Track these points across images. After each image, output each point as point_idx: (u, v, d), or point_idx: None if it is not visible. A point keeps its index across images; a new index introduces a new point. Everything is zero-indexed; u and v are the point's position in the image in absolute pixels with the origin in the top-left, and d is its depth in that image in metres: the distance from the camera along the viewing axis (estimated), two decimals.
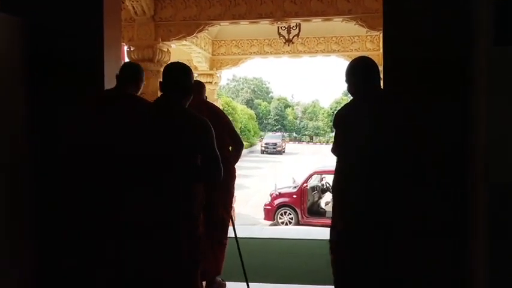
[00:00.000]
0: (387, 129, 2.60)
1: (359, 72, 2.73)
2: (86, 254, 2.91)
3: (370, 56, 3.00)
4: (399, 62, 2.84)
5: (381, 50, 3.67)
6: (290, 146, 43.37)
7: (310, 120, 58.04)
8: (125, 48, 6.98)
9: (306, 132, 55.94)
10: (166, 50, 6.88)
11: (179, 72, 2.58)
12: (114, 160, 2.49)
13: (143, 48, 6.68)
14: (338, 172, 2.80)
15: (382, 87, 2.82)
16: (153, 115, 2.50)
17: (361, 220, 2.64)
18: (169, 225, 2.40)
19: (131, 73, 3.02)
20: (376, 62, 2.84)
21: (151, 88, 6.40)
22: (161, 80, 2.58)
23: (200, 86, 3.78)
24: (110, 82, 3.17)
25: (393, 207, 2.63)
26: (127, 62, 3.63)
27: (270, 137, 39.66)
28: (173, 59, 8.53)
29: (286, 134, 58.41)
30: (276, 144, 36.44)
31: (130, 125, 2.49)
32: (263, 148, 36.40)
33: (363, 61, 2.79)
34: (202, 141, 2.46)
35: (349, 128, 2.71)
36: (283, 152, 37.11)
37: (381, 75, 2.81)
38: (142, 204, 2.40)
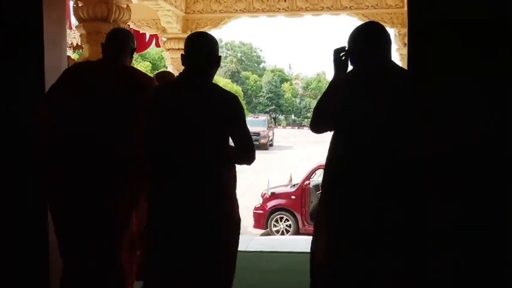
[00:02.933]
0: (411, 116, 2.68)
1: (364, 38, 2.85)
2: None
3: (391, 15, 3.04)
4: (427, 25, 2.87)
5: (406, 8, 3.70)
6: (283, 133, 41.40)
7: (313, 99, 57.90)
8: (71, 3, 6.91)
9: (309, 115, 56.15)
10: (125, 6, 6.82)
11: (206, 43, 2.97)
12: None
13: (95, 4, 6.60)
14: (333, 163, 2.85)
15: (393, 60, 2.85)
16: (180, 94, 2.90)
17: (362, 234, 2.69)
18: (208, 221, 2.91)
19: (124, 41, 3.33)
20: (399, 22, 2.87)
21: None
22: (183, 52, 2.96)
23: (167, 75, 4.07)
24: (51, 46, 3.17)
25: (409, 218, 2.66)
26: (115, 28, 3.79)
27: (250, 123, 31.28)
28: (135, 17, 8.51)
29: (282, 117, 58.52)
30: (258, 134, 31.27)
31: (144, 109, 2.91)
32: None
33: (370, 25, 2.90)
34: (236, 118, 2.91)
35: (355, 106, 2.77)
36: (271, 145, 33.46)
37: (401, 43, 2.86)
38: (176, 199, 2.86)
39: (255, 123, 33.49)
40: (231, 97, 2.95)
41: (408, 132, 2.67)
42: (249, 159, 3.00)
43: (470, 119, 2.86)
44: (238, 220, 3.16)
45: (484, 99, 2.86)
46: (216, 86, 3.00)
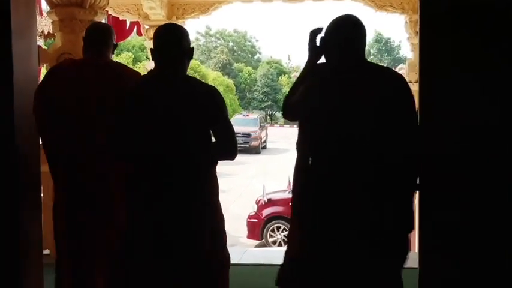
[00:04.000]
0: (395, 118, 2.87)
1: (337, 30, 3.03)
2: None
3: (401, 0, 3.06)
4: (443, 10, 2.87)
5: None
6: (280, 133, 41.12)
7: None
8: None
9: None
10: None
11: (177, 33, 3.16)
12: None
13: None
14: (302, 165, 3.12)
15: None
16: (153, 89, 3.09)
17: (336, 232, 2.93)
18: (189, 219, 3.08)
19: (107, 35, 3.60)
20: (410, 8, 2.88)
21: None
22: (152, 46, 3.14)
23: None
24: (19, 33, 3.15)
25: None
26: (95, 23, 4.01)
27: (240, 122, 31.47)
28: (113, 2, 8.48)
29: (279, 114, 58.45)
30: (248, 135, 30.81)
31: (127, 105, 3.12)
32: None
33: (346, 17, 3.05)
34: (220, 112, 3.12)
35: (329, 102, 2.97)
36: (263, 147, 32.89)
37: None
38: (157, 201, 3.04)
39: (245, 122, 32.83)
40: (212, 90, 3.16)
41: (386, 129, 2.86)
42: (232, 153, 3.19)
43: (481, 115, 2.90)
44: (222, 220, 3.33)
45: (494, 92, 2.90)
46: (194, 79, 3.20)
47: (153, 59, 3.18)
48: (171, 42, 3.14)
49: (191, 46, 3.24)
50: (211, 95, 3.12)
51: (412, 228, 2.98)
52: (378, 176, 2.88)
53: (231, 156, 3.19)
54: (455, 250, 2.96)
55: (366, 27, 3.05)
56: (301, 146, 3.18)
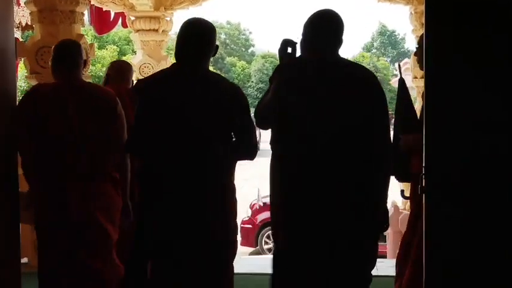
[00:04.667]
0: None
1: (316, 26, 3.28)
2: None
3: None
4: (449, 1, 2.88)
5: None
6: None
7: None
8: None
9: None
10: None
11: (200, 27, 3.33)
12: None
13: None
14: (280, 166, 3.29)
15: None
16: (169, 87, 3.27)
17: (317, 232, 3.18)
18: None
19: (77, 54, 3.78)
20: None
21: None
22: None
23: (123, 68, 4.36)
24: None
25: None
26: (63, 42, 4.01)
27: None
28: None
29: None
30: None
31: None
32: None
33: (323, 12, 3.30)
34: (239, 110, 3.33)
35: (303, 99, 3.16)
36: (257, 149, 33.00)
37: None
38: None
39: None
40: (233, 86, 3.43)
41: (357, 127, 3.13)
42: (252, 155, 3.41)
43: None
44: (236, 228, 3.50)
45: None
46: (217, 75, 3.44)
47: (176, 55, 3.33)
48: (196, 37, 3.30)
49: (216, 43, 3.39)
50: (232, 96, 3.34)
51: (386, 226, 3.31)
52: (348, 172, 3.14)
53: (251, 158, 3.41)
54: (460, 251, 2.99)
55: (343, 23, 3.29)
56: (273, 144, 3.35)
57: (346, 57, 3.44)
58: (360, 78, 3.24)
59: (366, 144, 3.16)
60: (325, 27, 3.28)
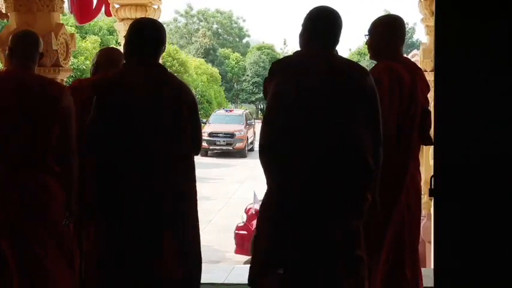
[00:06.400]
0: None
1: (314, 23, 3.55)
2: None
3: None
4: None
5: None
6: None
7: None
8: None
9: None
10: None
11: (151, 28, 3.72)
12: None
13: None
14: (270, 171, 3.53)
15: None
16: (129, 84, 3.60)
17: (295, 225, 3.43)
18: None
19: (29, 46, 3.90)
20: None
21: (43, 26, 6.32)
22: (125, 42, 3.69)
23: (114, 55, 4.45)
24: None
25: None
26: (23, 32, 4.18)
27: (221, 119, 31.99)
28: None
29: None
30: (232, 135, 30.30)
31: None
32: (205, 144, 28.00)
33: (320, 10, 3.58)
34: (187, 108, 3.63)
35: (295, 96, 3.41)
36: (250, 150, 31.51)
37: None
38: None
39: (228, 119, 32.04)
40: (183, 84, 3.76)
41: (347, 125, 3.39)
42: (198, 149, 3.82)
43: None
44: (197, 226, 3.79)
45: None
46: (167, 74, 3.76)
47: (124, 52, 3.72)
48: (147, 36, 3.67)
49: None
50: (182, 94, 3.68)
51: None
52: (335, 170, 3.38)
53: (196, 153, 3.80)
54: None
55: (342, 20, 3.57)
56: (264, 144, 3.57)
57: (349, 48, 3.67)
58: (355, 76, 3.47)
59: (354, 143, 3.43)
60: (325, 25, 3.55)
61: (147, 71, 3.64)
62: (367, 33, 4.13)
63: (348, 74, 3.46)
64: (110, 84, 3.68)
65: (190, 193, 3.72)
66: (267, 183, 3.55)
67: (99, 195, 3.63)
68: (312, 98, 3.40)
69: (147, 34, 3.66)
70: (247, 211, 12.01)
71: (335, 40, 3.58)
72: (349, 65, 3.59)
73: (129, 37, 3.67)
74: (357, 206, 3.45)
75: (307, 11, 3.58)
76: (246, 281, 6.07)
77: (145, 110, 3.54)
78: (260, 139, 3.54)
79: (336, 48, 3.61)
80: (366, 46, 4.21)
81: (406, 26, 4.39)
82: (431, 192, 3.05)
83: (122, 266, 3.55)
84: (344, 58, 3.68)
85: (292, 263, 3.49)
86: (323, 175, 3.39)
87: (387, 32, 4.09)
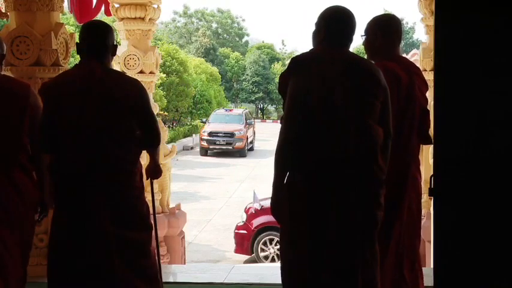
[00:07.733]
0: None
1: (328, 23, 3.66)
2: None
3: None
4: None
5: None
6: (274, 129, 40.65)
7: None
8: None
9: None
10: None
11: (102, 30, 3.94)
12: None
13: None
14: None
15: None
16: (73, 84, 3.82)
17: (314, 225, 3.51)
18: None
19: None
20: None
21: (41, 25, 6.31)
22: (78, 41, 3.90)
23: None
24: None
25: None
26: None
27: (221, 119, 32.68)
28: None
29: (272, 107, 58.49)
30: (232, 134, 30.65)
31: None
32: (205, 144, 30.74)
33: (339, 10, 3.66)
34: (140, 103, 3.85)
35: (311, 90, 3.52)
36: (250, 149, 32.45)
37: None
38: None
39: (228, 119, 32.37)
40: (134, 81, 3.99)
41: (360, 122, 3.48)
42: (156, 142, 4.04)
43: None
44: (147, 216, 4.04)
45: None
46: (117, 73, 4.08)
47: (78, 53, 3.94)
48: (97, 38, 3.93)
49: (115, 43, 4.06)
50: (134, 91, 3.87)
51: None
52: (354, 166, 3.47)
53: (155, 146, 4.07)
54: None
55: (355, 20, 3.67)
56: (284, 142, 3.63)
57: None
58: (374, 73, 3.57)
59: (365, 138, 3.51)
60: (343, 25, 3.66)
61: (94, 70, 3.83)
62: (363, 34, 4.19)
63: (367, 70, 3.58)
64: (57, 84, 3.95)
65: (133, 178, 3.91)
66: (289, 175, 3.61)
67: (56, 191, 3.90)
68: (335, 93, 3.49)
69: (95, 35, 3.92)
70: (246, 210, 12.01)
71: (349, 39, 3.68)
72: (365, 62, 3.73)
73: (79, 39, 3.96)
74: (376, 197, 3.52)
75: (319, 11, 3.71)
76: (245, 281, 6.11)
77: (92, 108, 3.74)
78: (281, 133, 3.60)
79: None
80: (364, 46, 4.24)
81: (405, 25, 4.42)
82: (431, 192, 3.05)
83: (70, 253, 3.79)
84: (358, 55, 3.79)
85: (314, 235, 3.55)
86: (345, 167, 3.47)
87: (382, 31, 4.12)
